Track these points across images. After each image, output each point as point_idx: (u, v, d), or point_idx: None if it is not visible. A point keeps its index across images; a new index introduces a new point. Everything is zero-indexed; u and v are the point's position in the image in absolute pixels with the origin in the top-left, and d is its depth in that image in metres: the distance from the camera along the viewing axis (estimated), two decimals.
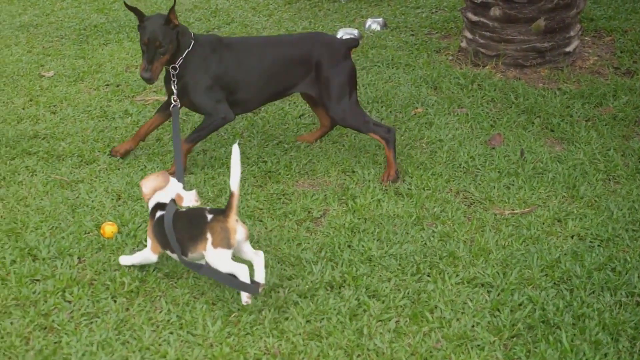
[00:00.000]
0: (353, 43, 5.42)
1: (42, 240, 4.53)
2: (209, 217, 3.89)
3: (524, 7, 7.03)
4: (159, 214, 4.06)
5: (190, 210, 4.10)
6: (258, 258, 3.96)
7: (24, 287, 4.14)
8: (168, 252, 4.06)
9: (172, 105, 5.11)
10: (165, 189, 4.13)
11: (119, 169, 5.48)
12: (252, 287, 3.83)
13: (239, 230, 3.87)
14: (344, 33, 8.21)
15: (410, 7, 9.48)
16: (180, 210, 4.08)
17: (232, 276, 3.84)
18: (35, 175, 5.42)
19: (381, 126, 5.26)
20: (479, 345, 3.73)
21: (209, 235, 3.84)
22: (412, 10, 9.32)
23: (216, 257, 3.84)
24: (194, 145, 5.39)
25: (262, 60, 5.30)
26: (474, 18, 7.27)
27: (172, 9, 4.98)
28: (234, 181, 3.85)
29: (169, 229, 3.92)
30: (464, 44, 7.55)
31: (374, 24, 8.63)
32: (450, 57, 7.60)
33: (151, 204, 4.14)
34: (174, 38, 5.05)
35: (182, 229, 3.93)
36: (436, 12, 9.26)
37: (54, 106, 6.74)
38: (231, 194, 3.85)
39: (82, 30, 9.16)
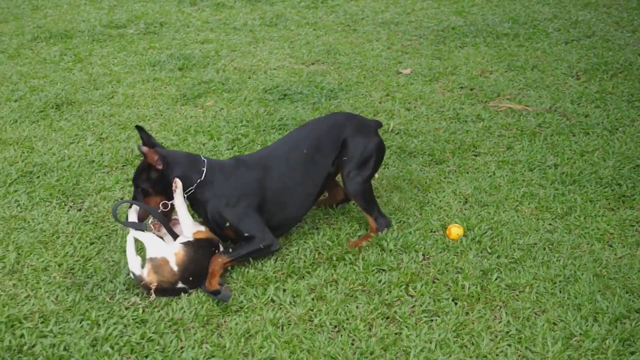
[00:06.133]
0: None
1: (391, 233, 4.68)
2: None
3: None
4: None
5: None
6: None
7: (371, 275, 4.31)
8: None
9: None
10: None
11: (467, 172, 5.52)
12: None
13: None
14: None
15: None
16: None
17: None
18: (387, 168, 5.62)
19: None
20: None
21: None
22: None
23: None
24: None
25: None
26: None
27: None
28: None
29: None
30: None
31: None
32: None
33: None
34: None
35: None
36: None
37: (409, 103, 6.96)
38: None
39: (440, 31, 9.36)
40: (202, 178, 4.38)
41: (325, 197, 5.09)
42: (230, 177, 4.46)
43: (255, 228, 4.38)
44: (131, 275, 4.08)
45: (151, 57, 8.53)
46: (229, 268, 4.34)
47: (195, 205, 4.48)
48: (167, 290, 4.06)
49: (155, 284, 4.02)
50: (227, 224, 4.37)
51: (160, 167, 4.29)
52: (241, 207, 4.39)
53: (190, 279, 4.10)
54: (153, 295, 4.04)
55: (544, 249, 4.55)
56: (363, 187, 4.65)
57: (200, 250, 4.21)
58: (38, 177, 5.50)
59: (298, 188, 4.60)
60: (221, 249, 4.35)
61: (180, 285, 4.07)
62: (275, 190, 4.52)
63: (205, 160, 4.46)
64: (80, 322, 3.89)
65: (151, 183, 4.33)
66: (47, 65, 8.30)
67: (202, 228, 4.39)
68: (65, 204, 5.14)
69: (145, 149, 4.24)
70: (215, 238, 4.39)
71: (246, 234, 4.36)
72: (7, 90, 7.41)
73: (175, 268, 4.05)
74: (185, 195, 4.38)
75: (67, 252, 4.54)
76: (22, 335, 3.79)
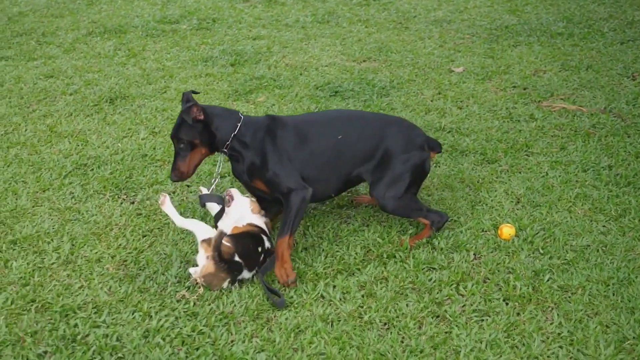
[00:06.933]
0: None
1: (442, 232, 4.65)
2: None
3: None
4: None
5: None
6: None
7: (421, 273, 4.29)
8: None
9: None
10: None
11: (519, 172, 5.47)
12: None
13: None
14: None
15: None
16: None
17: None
18: (439, 167, 5.59)
19: None
20: None
21: None
22: None
23: None
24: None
25: None
26: None
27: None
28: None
29: None
30: None
31: None
32: None
33: None
34: None
35: None
36: None
37: (461, 102, 6.91)
38: None
39: (493, 29, 9.28)
40: (237, 131, 4.52)
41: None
42: (263, 131, 4.55)
43: (287, 175, 4.45)
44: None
45: (204, 52, 8.60)
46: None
47: (233, 163, 4.63)
48: (228, 262, 4.09)
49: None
50: (260, 175, 4.49)
51: (201, 116, 4.43)
52: (274, 159, 4.48)
53: (244, 254, 4.16)
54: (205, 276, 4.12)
55: (597, 250, 4.49)
56: (399, 204, 4.57)
57: (243, 239, 4.26)
58: (92, 169, 5.58)
59: (323, 156, 4.59)
60: (265, 240, 4.37)
61: (237, 258, 4.12)
62: (300, 149, 4.56)
63: (242, 116, 4.61)
64: (133, 314, 3.94)
65: (195, 134, 4.46)
66: (102, 59, 8.41)
67: (242, 221, 4.45)
68: (118, 197, 5.20)
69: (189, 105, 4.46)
70: (254, 230, 4.42)
71: (279, 185, 4.44)
72: (63, 84, 7.52)
73: (228, 244, 4.11)
74: (226, 150, 4.55)
75: (120, 244, 4.61)
76: (76, 325, 3.85)
